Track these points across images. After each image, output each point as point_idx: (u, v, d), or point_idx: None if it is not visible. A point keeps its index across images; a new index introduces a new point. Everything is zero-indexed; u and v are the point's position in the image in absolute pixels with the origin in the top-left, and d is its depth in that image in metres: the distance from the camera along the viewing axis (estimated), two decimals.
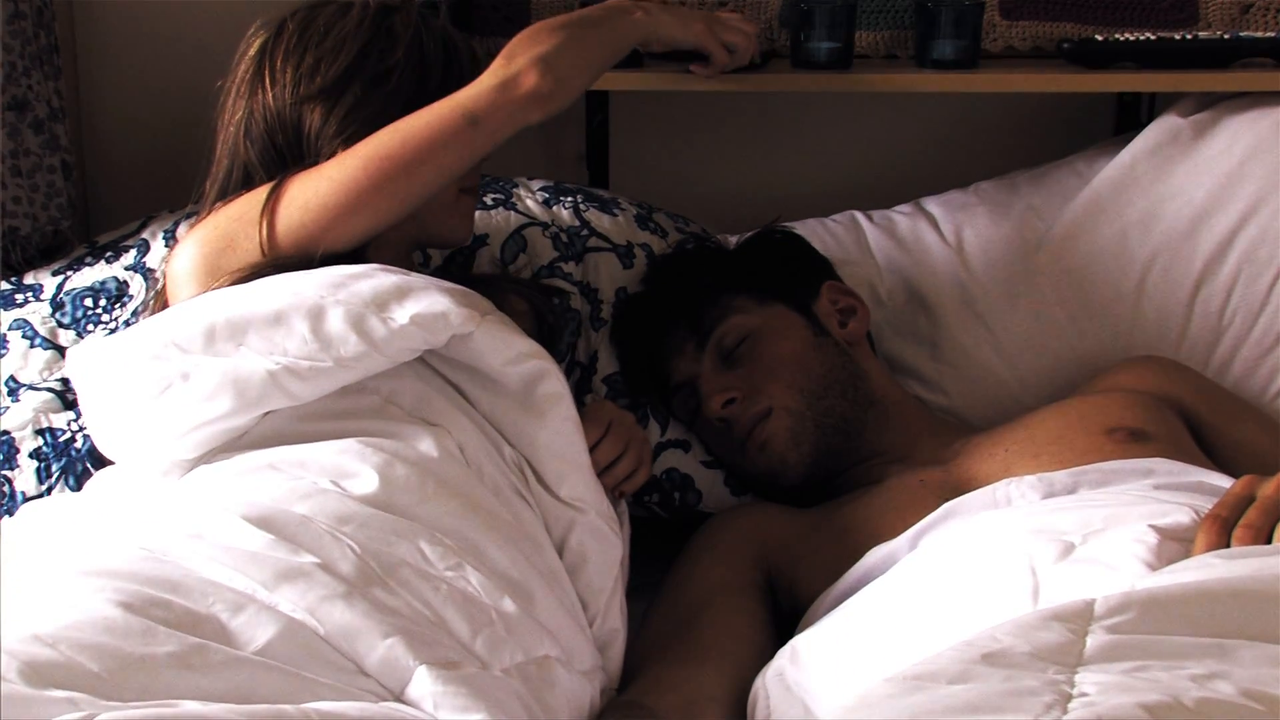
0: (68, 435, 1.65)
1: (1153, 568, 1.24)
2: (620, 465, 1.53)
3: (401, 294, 1.38)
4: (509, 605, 1.26)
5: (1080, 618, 1.08)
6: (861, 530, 1.55)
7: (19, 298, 1.76)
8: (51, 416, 1.66)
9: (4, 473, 1.64)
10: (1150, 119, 2.00)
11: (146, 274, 1.76)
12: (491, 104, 1.49)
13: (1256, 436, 1.69)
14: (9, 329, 1.73)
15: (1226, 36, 1.96)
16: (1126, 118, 2.15)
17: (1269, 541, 1.25)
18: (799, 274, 1.81)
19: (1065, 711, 0.97)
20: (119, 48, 2.09)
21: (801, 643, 1.40)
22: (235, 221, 1.47)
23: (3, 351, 1.71)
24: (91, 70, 2.09)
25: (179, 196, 1.89)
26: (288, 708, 1.08)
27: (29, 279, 1.79)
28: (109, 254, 1.81)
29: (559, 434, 1.43)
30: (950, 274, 1.92)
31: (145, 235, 1.83)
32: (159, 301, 1.55)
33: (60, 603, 1.13)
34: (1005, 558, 1.33)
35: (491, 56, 1.55)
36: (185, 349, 1.35)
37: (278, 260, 1.44)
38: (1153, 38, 1.96)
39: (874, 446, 1.71)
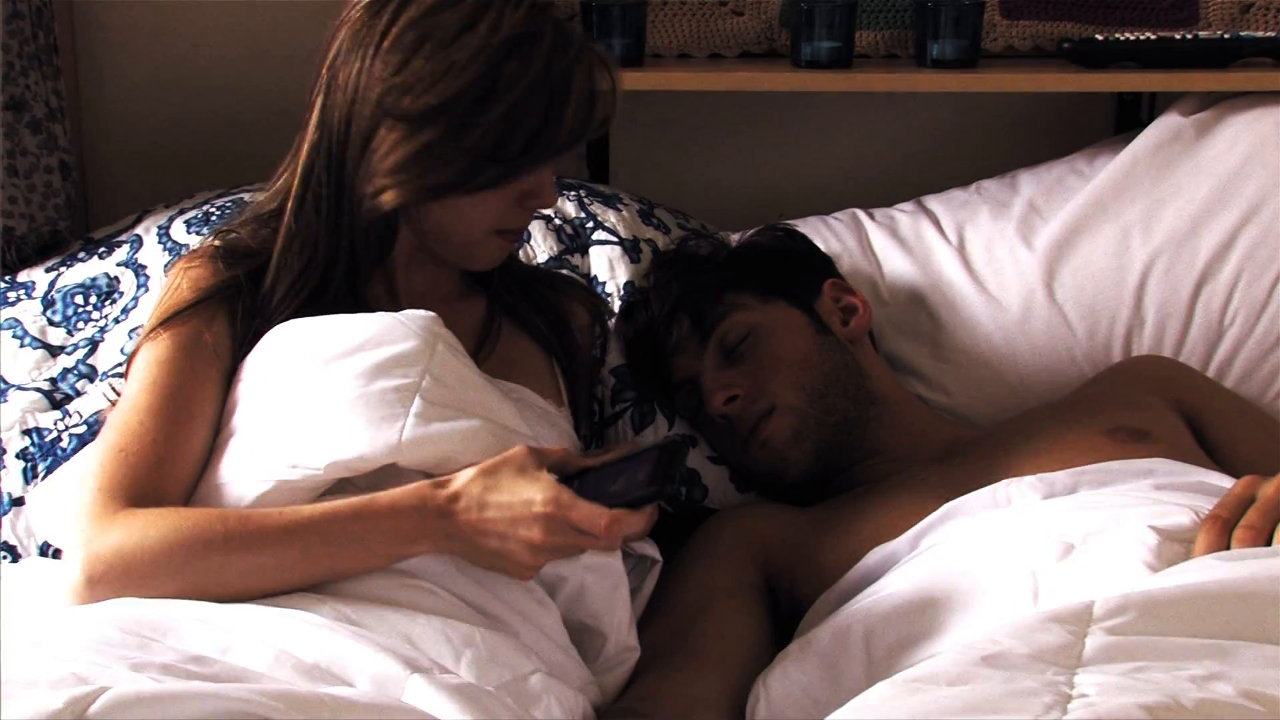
0: (54, 435, 1.64)
1: (1153, 568, 1.24)
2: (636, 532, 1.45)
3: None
4: (486, 629, 1.27)
5: (1079, 619, 1.08)
6: (862, 530, 1.55)
7: (12, 295, 1.76)
8: (38, 416, 1.66)
9: None
10: (1150, 119, 2.00)
11: (138, 270, 1.76)
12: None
13: (1258, 436, 1.69)
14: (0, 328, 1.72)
15: (1227, 36, 1.96)
16: (1126, 118, 2.14)
17: (1269, 542, 1.24)
18: (801, 271, 1.81)
19: (1065, 712, 0.97)
20: (118, 48, 2.08)
21: (802, 644, 1.39)
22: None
23: None
24: (91, 70, 2.08)
25: (178, 196, 1.90)
26: (299, 686, 1.10)
27: (22, 276, 1.79)
28: (102, 249, 1.81)
29: None
30: (952, 272, 1.91)
31: (139, 230, 1.82)
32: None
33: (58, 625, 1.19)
34: (1005, 558, 1.33)
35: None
36: None
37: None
38: (1153, 37, 1.96)
39: (875, 445, 1.71)
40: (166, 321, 1.44)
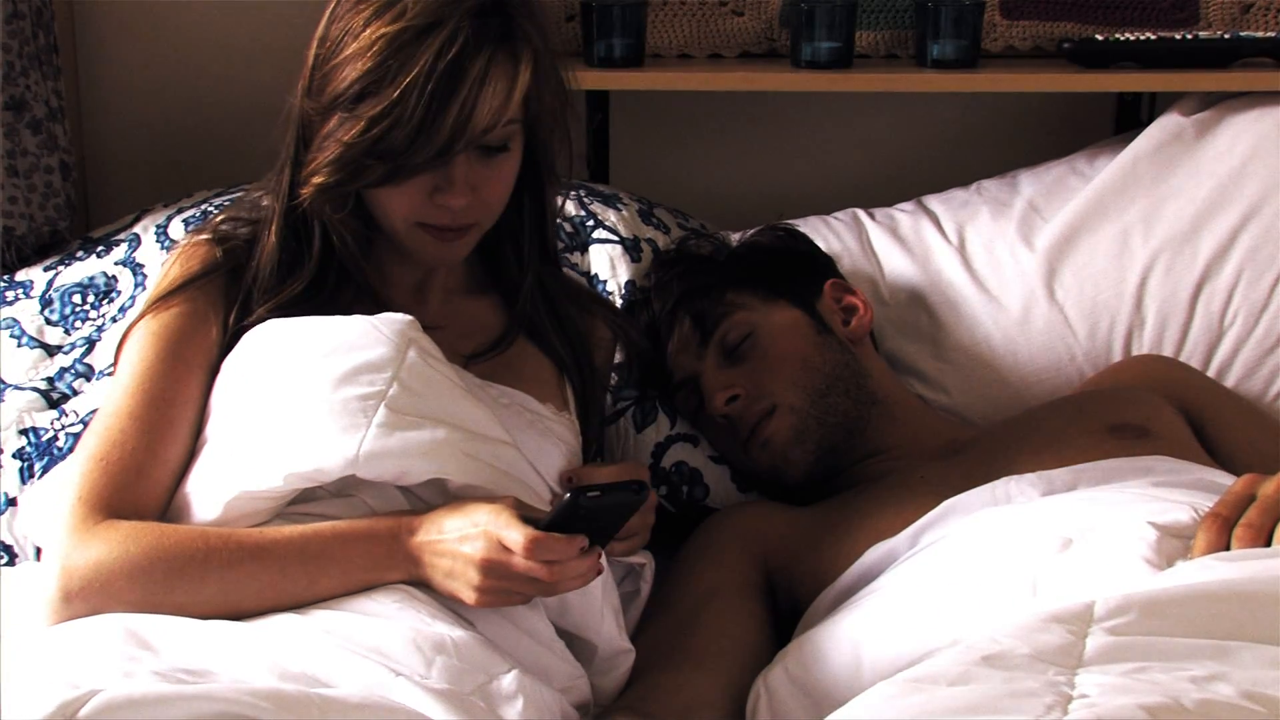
0: (50, 434, 1.64)
1: (1152, 563, 1.24)
2: (621, 546, 1.47)
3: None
4: (458, 632, 1.26)
5: (1080, 619, 1.08)
6: (861, 527, 1.55)
7: (9, 295, 1.76)
8: (35, 415, 1.66)
9: None
10: (1150, 119, 2.00)
11: (136, 269, 1.76)
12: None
13: (1258, 435, 1.69)
14: None
15: (1227, 36, 1.96)
16: (1126, 118, 2.14)
17: (1269, 541, 1.24)
18: (802, 271, 1.81)
19: (1065, 712, 0.97)
20: (118, 48, 2.08)
21: (802, 642, 1.39)
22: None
23: None
24: (91, 70, 2.08)
25: (179, 196, 1.89)
26: (287, 687, 1.10)
27: (20, 275, 1.79)
28: (100, 248, 1.81)
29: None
30: (952, 272, 1.91)
31: (137, 229, 1.82)
32: None
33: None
34: (1004, 554, 1.33)
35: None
36: None
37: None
38: (1153, 37, 1.96)
39: (876, 444, 1.71)
40: (157, 303, 1.43)
